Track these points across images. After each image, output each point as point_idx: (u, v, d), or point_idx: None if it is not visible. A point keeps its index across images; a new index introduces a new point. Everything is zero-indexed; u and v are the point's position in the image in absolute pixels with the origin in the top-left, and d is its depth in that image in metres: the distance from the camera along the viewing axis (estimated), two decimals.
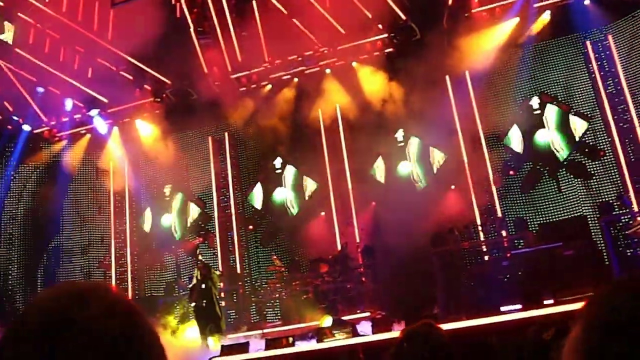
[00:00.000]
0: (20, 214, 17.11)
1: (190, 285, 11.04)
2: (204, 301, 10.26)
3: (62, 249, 17.46)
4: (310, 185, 16.01)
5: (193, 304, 10.88)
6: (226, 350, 8.46)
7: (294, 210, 16.01)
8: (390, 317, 9.96)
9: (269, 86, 16.37)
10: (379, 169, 15.38)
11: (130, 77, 16.05)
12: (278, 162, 16.32)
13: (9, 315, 15.53)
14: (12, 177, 17.13)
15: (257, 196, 16.42)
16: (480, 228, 13.43)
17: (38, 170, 17.39)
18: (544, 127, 14.19)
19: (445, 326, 9.54)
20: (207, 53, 15.44)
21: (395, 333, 8.33)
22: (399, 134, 15.31)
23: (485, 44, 14.31)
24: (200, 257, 11.02)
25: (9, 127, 17.09)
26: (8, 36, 14.56)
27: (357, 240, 14.51)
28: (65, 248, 17.45)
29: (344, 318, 11.17)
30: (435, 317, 10.08)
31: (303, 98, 15.80)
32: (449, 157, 14.75)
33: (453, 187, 14.47)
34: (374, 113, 14.93)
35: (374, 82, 15.17)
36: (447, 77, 14.74)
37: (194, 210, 16.98)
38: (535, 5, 14.21)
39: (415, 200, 14.47)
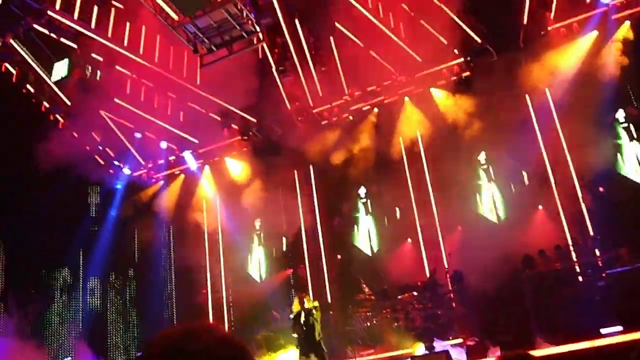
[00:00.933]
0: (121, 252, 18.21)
1: (292, 316, 11.27)
2: (306, 331, 10.48)
3: (160, 285, 18.38)
4: (395, 212, 16.16)
5: (296, 335, 11.09)
6: None
7: (379, 240, 16.18)
8: (483, 343, 9.90)
9: (350, 118, 16.76)
10: (463, 191, 15.33)
11: (219, 118, 16.92)
12: (362, 191, 16.60)
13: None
14: (115, 218, 18.32)
15: (344, 227, 16.74)
16: (571, 248, 13.08)
17: (138, 210, 18.46)
18: (632, 139, 13.75)
19: (545, 351, 9.36)
20: (289, 90, 16.05)
21: None
22: (482, 157, 15.25)
23: (565, 60, 14.11)
24: (307, 299, 11.12)
25: (111, 171, 18.38)
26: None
27: (446, 266, 14.48)
28: (163, 283, 18.35)
29: (436, 344, 11.18)
30: (530, 341, 9.94)
31: (383, 127, 16.07)
32: (534, 177, 14.52)
33: (540, 207, 14.22)
34: (455, 137, 14.99)
35: (453, 107, 15.24)
36: (527, 96, 14.61)
37: (284, 242, 17.49)
38: (614, 16, 13.90)
39: (503, 222, 14.34)
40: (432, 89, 15.84)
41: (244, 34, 10.81)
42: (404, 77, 15.74)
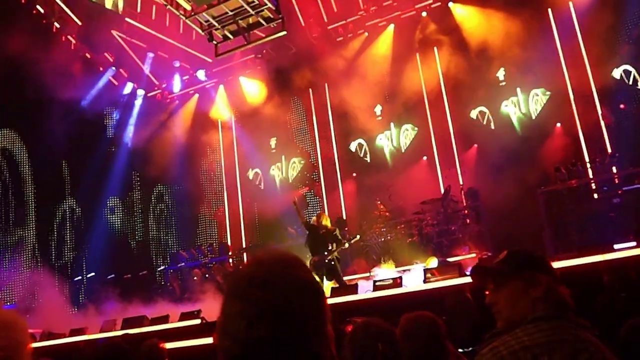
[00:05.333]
0: (138, 171, 18.50)
1: (306, 234, 11.45)
2: (320, 248, 10.66)
3: (178, 202, 18.74)
4: (411, 129, 16.13)
5: (309, 254, 11.31)
6: (335, 292, 8.83)
7: (396, 156, 16.23)
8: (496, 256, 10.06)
9: (365, 34, 16.44)
10: (479, 110, 15.20)
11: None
12: (378, 109, 16.50)
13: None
14: (131, 139, 18.49)
15: (359, 144, 16.77)
16: (588, 165, 13.01)
17: (153, 130, 18.56)
18: None
19: (557, 264, 9.53)
20: (303, 6, 15.69)
21: None
22: (500, 74, 15.00)
23: None
24: (325, 217, 11.21)
25: (125, 92, 18.37)
26: (119, 6, 15.48)
27: (461, 183, 14.56)
28: (181, 201, 18.70)
29: (450, 259, 11.39)
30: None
31: (400, 43, 15.76)
32: (553, 93, 14.32)
33: (559, 124, 14.08)
34: (473, 53, 14.71)
35: (472, 22, 14.87)
36: (550, 11, 14.18)
37: (299, 161, 17.62)
38: None
39: (520, 139, 14.26)
40: (450, 4, 15.40)
41: (262, 22, 10.34)
42: None
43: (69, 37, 16.65)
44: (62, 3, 15.82)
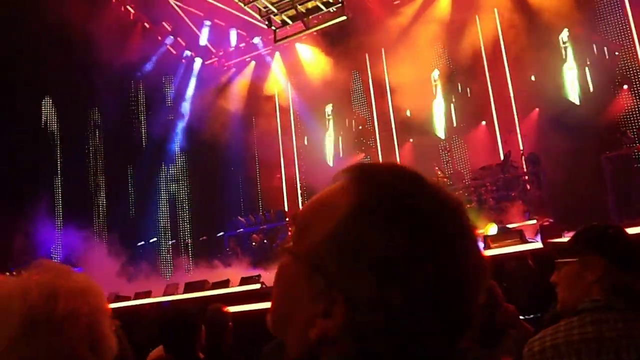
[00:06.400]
0: (196, 138, 18.83)
1: None
2: None
3: (235, 169, 19.02)
4: (469, 94, 15.80)
5: None
6: None
7: (455, 121, 15.98)
8: (558, 224, 9.85)
9: None
10: (541, 72, 14.72)
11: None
12: (436, 73, 16.21)
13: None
14: (189, 108, 18.81)
15: (417, 109, 16.56)
16: None
17: (211, 98, 18.80)
18: None
19: None
20: None
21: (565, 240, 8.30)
22: (564, 34, 14.44)
23: None
24: None
25: (183, 61, 18.64)
26: None
27: (521, 148, 14.24)
28: (239, 167, 18.97)
29: (510, 226, 11.22)
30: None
31: (458, 6, 15.35)
32: (619, 55, 13.72)
33: (625, 87, 13.52)
34: (535, 14, 14.19)
35: None
36: None
37: (355, 127, 17.56)
38: None
39: (583, 102, 13.79)
40: None
41: (322, 6, 10.07)
42: None
43: (128, 7, 16.96)
44: None
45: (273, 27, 10.78)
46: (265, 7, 10.21)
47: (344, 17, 10.41)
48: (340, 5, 10.14)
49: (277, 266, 0.87)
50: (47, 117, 17.46)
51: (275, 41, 11.12)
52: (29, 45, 14.11)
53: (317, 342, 0.78)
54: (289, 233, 15.17)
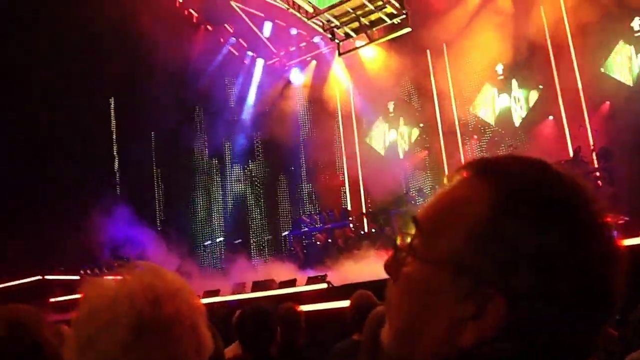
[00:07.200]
0: (259, 138, 19.07)
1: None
2: None
3: (298, 168, 19.14)
4: (535, 87, 15.39)
5: None
6: None
7: (521, 115, 15.59)
8: (634, 222, 9.45)
9: None
10: (613, 64, 14.18)
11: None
12: (500, 67, 15.85)
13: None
14: (251, 108, 19.06)
15: (481, 105, 16.26)
16: None
17: (273, 98, 19.00)
18: None
19: None
20: None
21: None
22: (635, 23, 13.86)
23: None
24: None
25: (245, 61, 18.91)
26: None
27: (591, 143, 13.75)
28: (301, 166, 19.08)
29: None
30: None
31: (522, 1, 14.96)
32: None
33: None
34: (604, 3, 13.66)
35: None
36: None
37: (418, 124, 17.38)
38: None
39: None
40: None
41: (385, 18, 9.99)
42: None
43: (190, 10, 17.32)
44: None
45: (337, 40, 10.78)
46: (329, 20, 10.18)
47: (409, 29, 10.29)
48: (404, 16, 10.02)
49: (400, 278, 0.83)
50: (112, 117, 18.10)
51: (339, 54, 11.11)
52: (92, 47, 14.57)
53: (472, 347, 0.75)
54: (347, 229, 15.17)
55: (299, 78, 19.15)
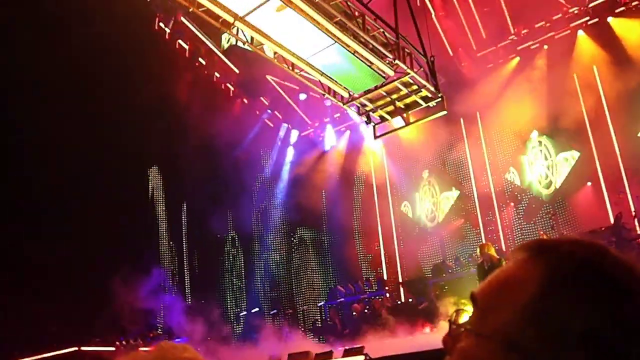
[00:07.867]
0: (295, 208, 19.14)
1: (477, 265, 11.17)
2: None
3: (334, 237, 19.09)
4: (573, 154, 15.24)
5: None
6: None
7: (557, 183, 15.38)
8: None
9: (517, 58, 15.92)
10: None
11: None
12: (534, 134, 15.79)
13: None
14: (287, 179, 19.28)
15: (516, 172, 16.14)
16: None
17: (308, 168, 19.19)
18: None
19: None
20: (451, 36, 15.56)
21: None
22: None
23: None
24: (489, 247, 10.84)
25: (281, 133, 19.31)
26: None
27: (632, 209, 13.43)
28: (337, 236, 19.02)
29: None
30: None
31: (555, 65, 15.05)
32: None
33: None
34: (637, 67, 13.65)
35: (635, 34, 13.86)
36: None
37: (453, 192, 17.27)
38: None
39: None
40: (610, 19, 14.50)
41: (421, 102, 10.26)
42: (577, 7, 14.56)
43: (228, 84, 17.85)
44: (222, 54, 17.02)
45: (372, 123, 10.94)
46: (364, 104, 10.37)
47: (445, 112, 10.39)
48: (439, 100, 10.15)
49: (455, 352, 0.84)
50: (153, 186, 18.49)
51: (375, 137, 11.25)
52: (134, 120, 15.00)
53: None
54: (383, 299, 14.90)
55: (333, 148, 19.36)
